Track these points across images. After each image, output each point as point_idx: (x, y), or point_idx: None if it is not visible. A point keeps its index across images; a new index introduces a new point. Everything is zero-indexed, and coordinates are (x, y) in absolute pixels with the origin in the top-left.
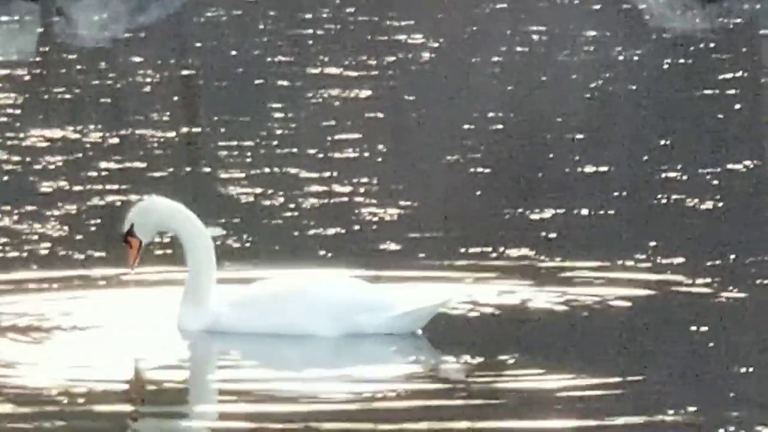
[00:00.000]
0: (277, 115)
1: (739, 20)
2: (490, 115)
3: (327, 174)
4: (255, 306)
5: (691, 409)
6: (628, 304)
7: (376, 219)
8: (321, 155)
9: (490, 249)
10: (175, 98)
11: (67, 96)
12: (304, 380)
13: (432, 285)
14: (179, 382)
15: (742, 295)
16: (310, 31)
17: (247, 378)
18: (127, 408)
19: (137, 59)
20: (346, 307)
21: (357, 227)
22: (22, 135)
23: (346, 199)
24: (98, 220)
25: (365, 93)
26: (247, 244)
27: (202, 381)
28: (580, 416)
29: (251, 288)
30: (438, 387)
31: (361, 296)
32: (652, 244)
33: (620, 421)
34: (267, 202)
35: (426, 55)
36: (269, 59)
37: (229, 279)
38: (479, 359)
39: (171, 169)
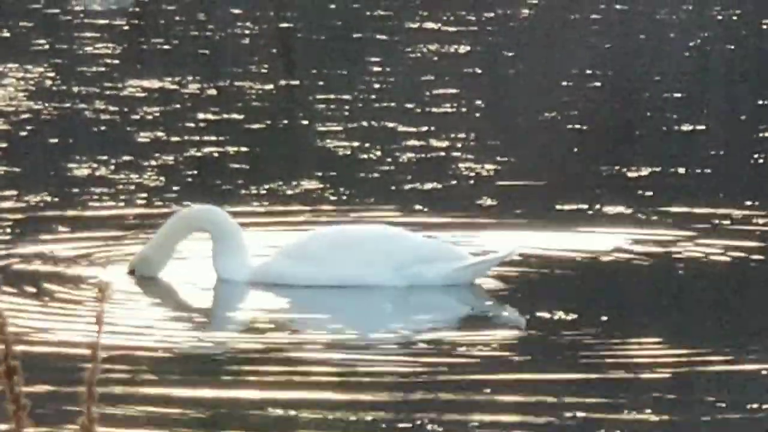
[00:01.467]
0: (375, 69)
1: None
2: (588, 72)
3: (424, 128)
4: (311, 256)
5: None
6: (723, 263)
7: (472, 174)
8: (418, 110)
9: (585, 206)
10: (273, 50)
11: (165, 47)
12: (365, 330)
13: (498, 236)
14: (239, 337)
15: None
16: None
17: (305, 328)
18: (171, 358)
19: (235, 11)
20: (409, 258)
21: (453, 182)
22: (119, 85)
23: (442, 153)
24: (195, 171)
25: (463, 48)
26: (344, 197)
27: (261, 333)
28: (659, 386)
29: (303, 238)
30: (496, 339)
31: (422, 248)
32: (748, 203)
33: (701, 408)
34: (364, 156)
35: (525, 12)
36: (368, 13)
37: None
38: (540, 313)
39: (268, 122)
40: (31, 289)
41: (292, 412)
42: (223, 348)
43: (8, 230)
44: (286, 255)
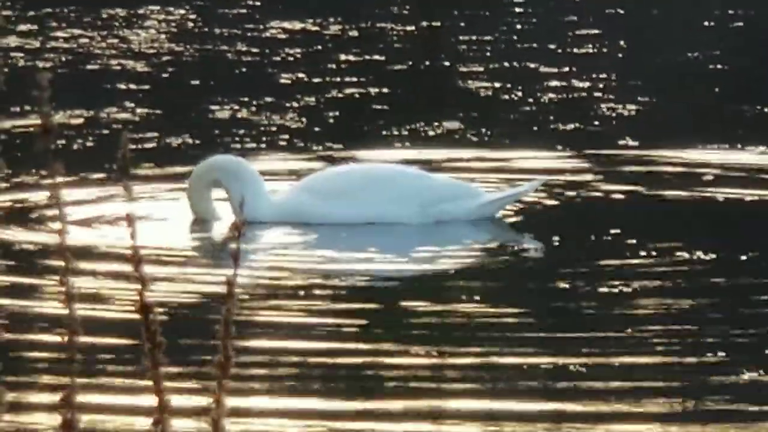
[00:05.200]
0: (517, 9)
1: None
2: (730, 11)
3: (566, 69)
4: (338, 194)
5: None
6: None
7: (614, 114)
8: (560, 50)
9: (727, 146)
10: None
11: None
12: (390, 262)
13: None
14: (274, 272)
15: None
16: None
17: (333, 260)
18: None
19: None
20: (434, 196)
21: (595, 122)
22: (261, 27)
23: (584, 94)
24: (336, 113)
25: None
26: (485, 138)
27: (291, 266)
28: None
29: (327, 176)
30: (519, 267)
31: (445, 187)
32: None
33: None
34: (505, 96)
35: None
36: None
37: (464, 168)
38: (564, 243)
39: (409, 63)
40: (173, 230)
41: (320, 343)
42: (256, 289)
43: (150, 172)
44: (309, 192)
